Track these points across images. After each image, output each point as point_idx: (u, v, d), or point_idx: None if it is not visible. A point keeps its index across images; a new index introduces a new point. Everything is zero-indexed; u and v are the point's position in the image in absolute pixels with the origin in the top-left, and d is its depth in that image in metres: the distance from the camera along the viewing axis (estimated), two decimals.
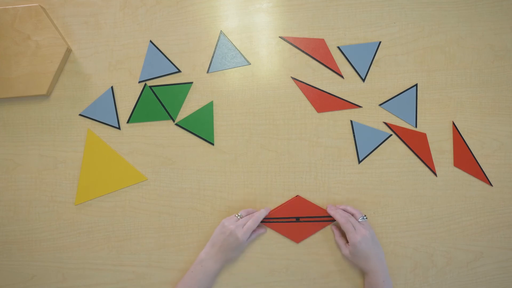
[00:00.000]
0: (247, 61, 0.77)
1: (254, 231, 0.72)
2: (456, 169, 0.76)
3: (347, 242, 0.71)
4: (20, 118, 0.77)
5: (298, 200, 0.75)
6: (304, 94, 0.76)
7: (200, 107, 0.76)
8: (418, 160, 0.76)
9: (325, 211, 0.74)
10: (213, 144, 0.76)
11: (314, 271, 0.75)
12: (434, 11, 0.76)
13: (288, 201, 0.75)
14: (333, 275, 0.75)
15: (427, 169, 0.76)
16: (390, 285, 0.69)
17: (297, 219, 0.74)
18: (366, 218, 0.72)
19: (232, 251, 0.70)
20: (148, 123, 0.76)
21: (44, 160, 0.76)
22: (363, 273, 0.72)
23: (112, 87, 0.76)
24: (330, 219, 0.74)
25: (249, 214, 0.73)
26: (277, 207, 0.75)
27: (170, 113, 0.76)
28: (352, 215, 0.72)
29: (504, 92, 0.77)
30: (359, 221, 0.70)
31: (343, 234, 0.73)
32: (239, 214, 0.72)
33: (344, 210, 0.73)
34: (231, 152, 0.76)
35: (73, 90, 0.77)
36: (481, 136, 0.76)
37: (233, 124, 0.76)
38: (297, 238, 0.75)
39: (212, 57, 0.76)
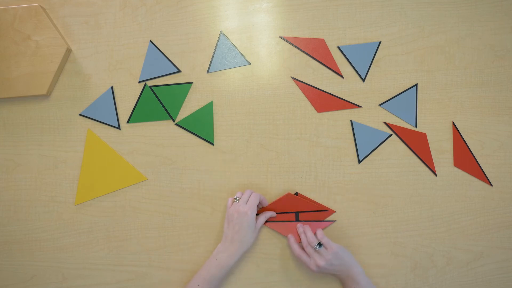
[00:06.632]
0: (247, 61, 0.77)
1: (262, 214, 0.73)
2: (456, 169, 0.76)
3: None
4: (20, 118, 0.77)
5: (289, 197, 0.74)
6: (304, 94, 0.76)
7: (200, 107, 0.76)
8: (418, 160, 0.76)
9: (322, 205, 0.75)
10: (213, 144, 0.76)
11: None
12: (434, 11, 0.76)
13: (279, 198, 0.74)
14: (332, 275, 0.75)
15: (427, 169, 0.76)
16: (366, 285, 0.67)
17: (297, 215, 0.74)
18: (321, 245, 0.68)
19: (244, 236, 0.69)
20: (148, 123, 0.76)
21: (44, 160, 0.76)
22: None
23: (112, 87, 0.76)
24: (329, 210, 0.75)
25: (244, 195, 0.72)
26: (270, 203, 0.75)
27: (170, 113, 0.76)
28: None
29: (504, 92, 0.77)
30: (315, 250, 0.68)
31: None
32: (236, 198, 0.71)
33: (305, 235, 0.70)
34: (231, 152, 0.76)
35: (73, 90, 0.77)
36: (481, 136, 0.76)
37: (233, 124, 0.76)
38: (298, 237, 0.75)
39: (212, 57, 0.76)
